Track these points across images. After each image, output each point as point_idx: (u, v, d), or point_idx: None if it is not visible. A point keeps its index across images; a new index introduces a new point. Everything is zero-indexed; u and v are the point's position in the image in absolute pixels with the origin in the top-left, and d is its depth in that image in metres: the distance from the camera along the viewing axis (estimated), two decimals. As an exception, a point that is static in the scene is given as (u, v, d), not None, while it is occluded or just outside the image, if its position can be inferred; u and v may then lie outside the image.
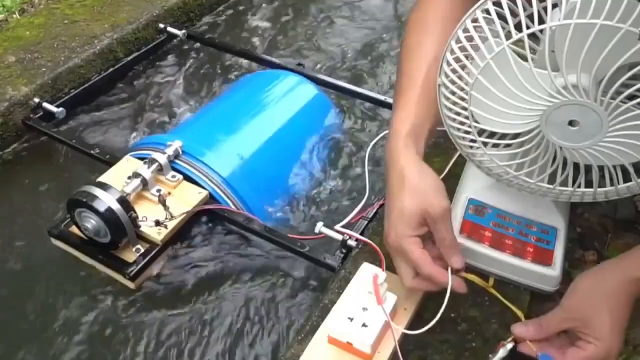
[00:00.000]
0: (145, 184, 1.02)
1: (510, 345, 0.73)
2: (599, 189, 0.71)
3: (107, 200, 0.93)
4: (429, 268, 0.70)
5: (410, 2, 1.73)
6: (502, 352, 0.73)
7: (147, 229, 0.98)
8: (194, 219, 1.04)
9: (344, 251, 0.95)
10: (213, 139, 1.13)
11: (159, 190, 1.03)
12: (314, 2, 1.80)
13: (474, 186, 0.88)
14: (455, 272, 0.72)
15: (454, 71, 0.68)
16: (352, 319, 0.75)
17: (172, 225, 0.99)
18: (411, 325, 0.79)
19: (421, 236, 0.71)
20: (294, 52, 1.61)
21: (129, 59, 1.46)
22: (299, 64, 1.44)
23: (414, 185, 0.70)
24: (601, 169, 0.68)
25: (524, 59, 0.62)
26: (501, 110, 0.66)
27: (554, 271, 0.81)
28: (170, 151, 1.05)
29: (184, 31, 1.52)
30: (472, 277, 0.82)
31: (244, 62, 1.52)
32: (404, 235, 0.70)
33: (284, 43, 1.64)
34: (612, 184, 0.69)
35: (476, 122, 0.70)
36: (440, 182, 0.72)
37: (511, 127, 0.69)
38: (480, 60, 0.64)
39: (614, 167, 0.67)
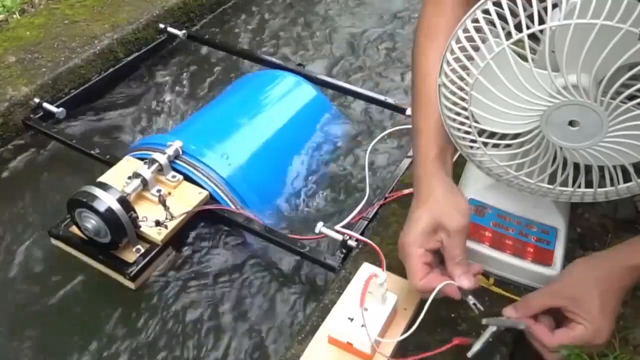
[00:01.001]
0: (145, 184, 1.02)
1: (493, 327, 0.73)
2: (599, 189, 0.71)
3: (107, 200, 0.92)
4: (418, 283, 0.71)
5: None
6: (489, 330, 0.73)
7: (147, 229, 0.98)
8: (193, 219, 1.04)
9: (344, 251, 0.95)
10: (213, 139, 1.13)
11: (159, 190, 1.03)
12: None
13: (474, 186, 0.88)
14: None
15: (454, 71, 0.68)
16: (352, 319, 0.75)
17: (172, 225, 0.99)
18: (411, 326, 0.79)
19: (431, 250, 0.72)
20: (294, 51, 1.61)
21: (129, 59, 1.46)
22: (299, 64, 1.45)
23: (437, 199, 0.72)
24: (601, 169, 0.68)
25: (524, 59, 0.62)
26: (501, 110, 0.66)
27: (554, 271, 0.81)
28: (170, 151, 1.05)
29: (184, 31, 1.52)
30: None
31: (244, 62, 1.52)
32: (412, 243, 0.71)
33: (284, 43, 1.64)
34: (612, 184, 0.69)
35: (476, 122, 0.70)
36: (465, 205, 0.73)
37: (511, 127, 0.69)
38: (480, 60, 0.64)
39: (614, 167, 0.67)
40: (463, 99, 0.69)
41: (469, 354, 0.73)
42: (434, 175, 0.74)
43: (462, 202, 0.73)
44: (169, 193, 1.04)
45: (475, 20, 0.65)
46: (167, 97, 1.42)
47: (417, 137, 0.79)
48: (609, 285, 0.69)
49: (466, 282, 0.70)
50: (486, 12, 0.64)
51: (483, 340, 0.73)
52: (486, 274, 0.84)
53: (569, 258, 0.85)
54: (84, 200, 0.93)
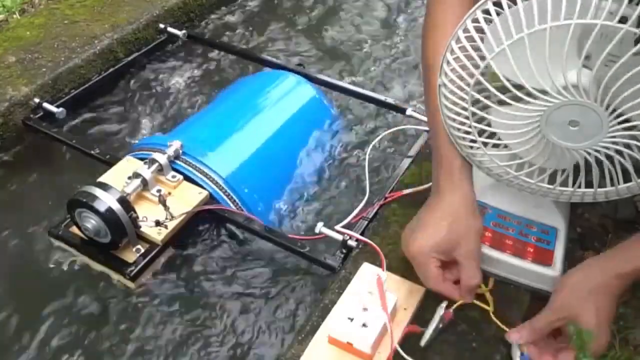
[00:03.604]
0: (145, 184, 1.02)
1: (441, 311, 0.77)
2: (599, 189, 0.71)
3: (107, 200, 0.92)
4: (438, 286, 0.75)
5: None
6: (437, 316, 0.76)
7: (147, 229, 0.98)
8: (193, 218, 1.04)
9: (344, 251, 0.95)
10: (213, 140, 1.13)
11: (159, 190, 1.03)
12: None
13: (474, 186, 0.88)
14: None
15: (454, 71, 0.68)
16: (352, 319, 0.75)
17: (172, 225, 0.99)
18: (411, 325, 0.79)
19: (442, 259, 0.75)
20: (293, 51, 1.61)
21: (129, 59, 1.46)
22: (299, 64, 1.44)
23: (459, 216, 0.74)
24: (601, 168, 0.68)
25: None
26: (502, 111, 0.66)
27: (554, 271, 0.81)
28: (170, 151, 1.05)
29: (184, 31, 1.52)
30: None
31: (244, 62, 1.52)
32: (427, 254, 0.74)
33: (283, 42, 1.64)
34: (612, 184, 0.69)
35: (476, 122, 0.70)
36: (480, 225, 0.76)
37: (512, 127, 0.69)
38: (480, 60, 0.64)
39: (614, 166, 0.67)
40: (463, 99, 0.69)
41: (422, 343, 0.76)
42: (460, 188, 0.76)
43: (479, 223, 0.76)
44: (169, 193, 1.04)
45: (476, 20, 0.65)
46: (167, 97, 1.42)
47: (437, 140, 0.79)
48: (602, 295, 0.70)
49: (470, 300, 0.77)
50: (486, 12, 0.64)
51: (433, 327, 0.76)
52: (485, 277, 0.84)
53: (569, 258, 0.85)
54: (84, 200, 0.93)
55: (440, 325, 0.77)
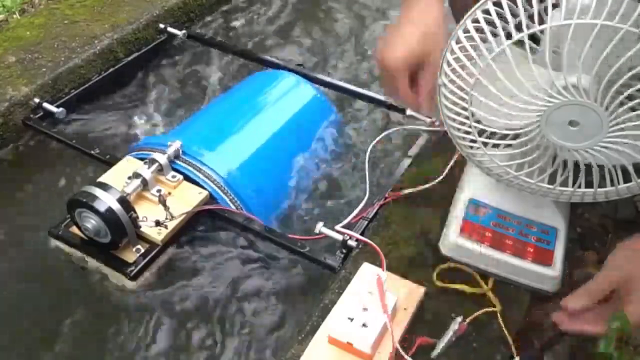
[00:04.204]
0: (145, 184, 1.02)
1: (456, 325, 0.76)
2: (599, 189, 0.71)
3: (107, 200, 0.92)
4: (408, 97, 0.80)
5: None
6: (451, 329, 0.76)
7: (147, 229, 0.98)
8: (193, 218, 1.04)
9: (344, 251, 0.95)
10: (213, 140, 1.13)
11: (159, 190, 1.03)
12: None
13: (474, 186, 0.88)
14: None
15: (454, 71, 0.68)
16: (352, 319, 0.75)
17: (172, 225, 0.99)
18: (411, 326, 0.79)
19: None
20: (293, 51, 1.61)
21: (129, 59, 1.46)
22: (299, 64, 1.44)
23: (431, 32, 0.78)
24: (601, 168, 0.68)
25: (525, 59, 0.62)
26: (501, 111, 0.66)
27: (554, 271, 0.81)
28: (170, 151, 1.05)
29: (184, 31, 1.52)
30: (466, 288, 0.83)
31: (244, 62, 1.52)
32: (403, 64, 0.77)
33: (283, 42, 1.64)
34: (612, 184, 0.69)
35: (476, 122, 0.70)
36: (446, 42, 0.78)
37: (512, 125, 0.69)
38: (480, 60, 0.64)
39: (614, 167, 0.67)
40: (463, 99, 0.69)
41: (433, 355, 0.75)
42: (434, 4, 0.78)
43: (446, 38, 0.77)
44: (169, 193, 1.03)
45: (476, 21, 0.65)
46: (167, 97, 1.42)
47: None
48: None
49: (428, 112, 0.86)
50: (486, 12, 0.64)
51: (446, 340, 0.75)
52: (485, 276, 0.84)
53: (569, 258, 0.85)
54: (84, 200, 0.93)
55: (453, 339, 0.77)
